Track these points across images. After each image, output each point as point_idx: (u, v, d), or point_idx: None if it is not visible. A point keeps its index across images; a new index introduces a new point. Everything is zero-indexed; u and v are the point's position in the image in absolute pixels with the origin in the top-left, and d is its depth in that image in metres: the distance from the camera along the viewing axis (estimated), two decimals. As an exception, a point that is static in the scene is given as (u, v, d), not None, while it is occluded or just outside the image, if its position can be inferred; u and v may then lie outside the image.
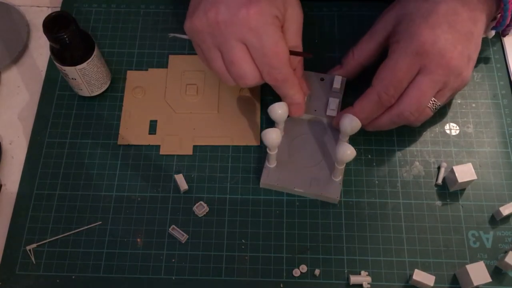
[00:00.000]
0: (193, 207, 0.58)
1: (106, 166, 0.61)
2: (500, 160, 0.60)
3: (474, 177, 0.57)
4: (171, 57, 0.67)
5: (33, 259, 0.56)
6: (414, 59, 0.53)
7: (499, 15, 0.58)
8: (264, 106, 0.63)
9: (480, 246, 0.56)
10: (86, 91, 0.62)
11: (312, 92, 0.62)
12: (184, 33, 0.56)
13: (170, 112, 0.63)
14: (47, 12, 0.71)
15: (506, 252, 0.55)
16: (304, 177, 0.58)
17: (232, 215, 0.58)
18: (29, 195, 0.59)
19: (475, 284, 0.52)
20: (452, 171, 0.57)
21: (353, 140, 0.61)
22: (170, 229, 0.57)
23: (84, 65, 0.58)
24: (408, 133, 0.62)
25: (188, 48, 0.67)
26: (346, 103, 0.59)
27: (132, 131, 0.62)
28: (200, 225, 0.57)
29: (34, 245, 0.57)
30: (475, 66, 0.59)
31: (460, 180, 0.56)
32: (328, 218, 0.58)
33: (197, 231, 0.57)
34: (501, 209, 0.57)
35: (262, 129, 0.62)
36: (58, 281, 0.55)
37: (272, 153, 0.57)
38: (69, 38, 0.55)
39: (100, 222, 0.58)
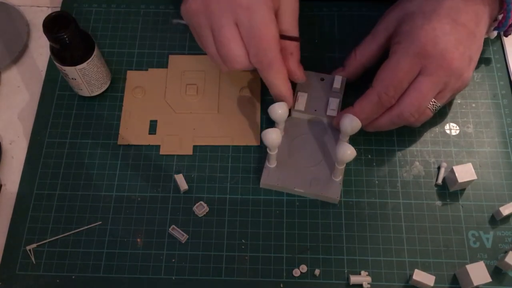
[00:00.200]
0: (193, 207, 0.58)
1: (106, 166, 0.61)
2: (500, 160, 0.60)
3: (474, 177, 0.57)
4: (171, 57, 0.67)
5: (33, 259, 0.56)
6: (415, 60, 0.53)
7: (501, 16, 0.58)
8: (264, 106, 0.63)
9: (480, 246, 0.56)
10: (86, 91, 0.62)
11: (312, 92, 0.62)
12: None
13: (170, 112, 0.63)
14: (47, 12, 0.71)
15: (506, 252, 0.55)
16: (304, 177, 0.58)
17: (232, 215, 0.58)
18: (29, 195, 0.59)
19: (475, 284, 0.52)
20: (452, 171, 0.57)
21: (353, 140, 0.61)
22: (170, 229, 0.57)
23: (84, 65, 0.58)
24: (408, 133, 0.62)
25: (188, 48, 0.67)
26: (347, 103, 0.59)
27: (132, 131, 0.62)
28: (200, 225, 0.57)
29: (34, 245, 0.57)
30: (476, 67, 0.59)
31: (460, 180, 0.56)
32: (328, 218, 0.58)
33: (197, 231, 0.57)
34: (501, 209, 0.57)
35: (262, 129, 0.62)
36: (58, 281, 0.55)
37: (272, 153, 0.57)
38: (69, 38, 0.55)
39: (100, 222, 0.58)
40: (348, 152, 0.53)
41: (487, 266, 0.54)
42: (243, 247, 0.56)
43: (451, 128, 0.62)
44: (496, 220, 0.58)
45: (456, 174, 0.57)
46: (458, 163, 0.59)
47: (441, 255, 0.56)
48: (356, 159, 0.57)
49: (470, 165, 0.57)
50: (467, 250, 0.56)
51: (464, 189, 0.59)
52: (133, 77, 0.66)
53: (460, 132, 0.62)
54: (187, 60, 0.66)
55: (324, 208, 0.58)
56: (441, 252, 0.56)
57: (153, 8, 0.70)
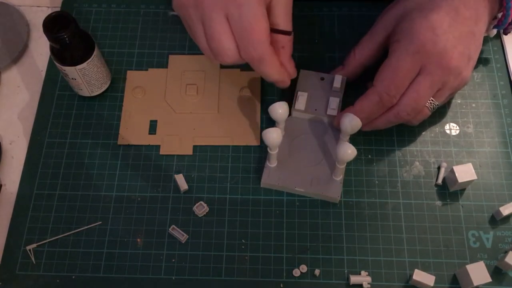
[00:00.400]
0: (193, 207, 0.58)
1: (106, 166, 0.61)
2: (500, 160, 0.60)
3: (474, 177, 0.57)
4: (171, 57, 0.67)
5: (33, 259, 0.56)
6: (415, 58, 0.53)
7: (501, 14, 0.58)
8: (264, 106, 0.63)
9: (480, 246, 0.56)
10: (86, 91, 0.62)
11: (313, 91, 0.62)
12: None
13: (170, 112, 0.63)
14: (47, 12, 0.71)
15: (506, 252, 0.55)
16: (304, 177, 0.58)
17: (232, 215, 0.58)
18: (29, 195, 0.59)
19: (475, 284, 0.52)
20: (452, 171, 0.57)
21: (353, 140, 0.61)
22: (170, 229, 0.57)
23: (84, 65, 0.58)
24: (408, 133, 0.62)
25: (188, 48, 0.67)
26: (347, 103, 0.59)
27: (132, 131, 0.62)
28: (200, 225, 0.57)
29: (34, 245, 0.57)
30: (475, 66, 0.59)
31: (460, 180, 0.56)
32: (328, 218, 0.58)
33: (197, 231, 0.57)
34: (501, 209, 0.57)
35: (262, 129, 0.62)
36: (58, 281, 0.55)
37: (273, 152, 0.57)
38: (69, 38, 0.55)
39: (100, 222, 0.58)
40: (348, 151, 0.53)
41: (487, 266, 0.54)
42: (243, 247, 0.56)
43: (451, 128, 0.62)
44: (496, 220, 0.58)
45: (456, 174, 0.57)
46: (458, 163, 0.59)
47: (441, 255, 0.56)
48: (356, 159, 0.57)
49: (470, 165, 0.57)
50: (467, 250, 0.56)
51: (464, 189, 0.59)
52: (133, 77, 0.66)
53: (460, 132, 0.62)
54: (187, 60, 0.66)
55: (324, 208, 0.58)
56: (441, 252, 0.56)
57: (153, 8, 0.70)
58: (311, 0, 0.69)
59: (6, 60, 0.67)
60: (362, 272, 0.55)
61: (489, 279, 0.52)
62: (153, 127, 0.62)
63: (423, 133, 0.62)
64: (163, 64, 0.66)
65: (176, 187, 0.59)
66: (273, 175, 0.59)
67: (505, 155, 0.61)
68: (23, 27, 0.69)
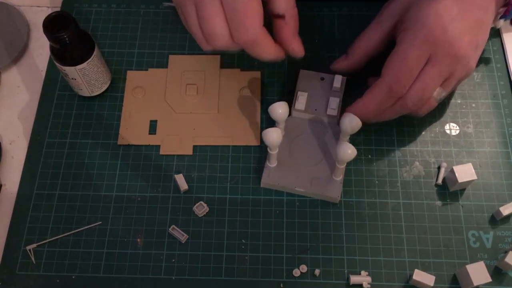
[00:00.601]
0: (193, 207, 0.58)
1: (106, 166, 0.61)
2: (500, 160, 0.60)
3: (474, 177, 0.57)
4: (171, 57, 0.67)
5: (33, 259, 0.56)
6: (424, 47, 0.52)
7: (509, 5, 0.57)
8: (264, 106, 0.63)
9: (480, 246, 0.56)
10: (86, 91, 0.62)
11: (312, 91, 0.62)
12: None
13: (170, 112, 0.63)
14: (47, 12, 0.71)
15: (506, 252, 0.55)
16: (305, 177, 0.58)
17: (232, 215, 0.58)
18: (29, 195, 0.59)
19: (475, 284, 0.52)
20: (452, 171, 0.57)
21: (353, 140, 0.61)
22: (170, 229, 0.57)
23: (84, 65, 0.58)
24: (408, 133, 0.62)
25: (188, 48, 0.67)
26: (347, 103, 0.59)
27: (132, 131, 0.62)
28: (200, 225, 0.57)
29: (34, 245, 0.57)
30: (476, 67, 0.59)
31: (460, 180, 0.56)
32: (328, 218, 0.58)
33: (197, 231, 0.57)
34: (501, 209, 0.57)
35: (262, 129, 0.62)
36: (58, 281, 0.55)
37: (273, 152, 0.57)
38: (69, 38, 0.55)
39: (100, 222, 0.58)
40: (348, 151, 0.53)
41: (487, 266, 0.54)
42: (243, 247, 0.56)
43: (451, 128, 0.62)
44: (496, 220, 0.57)
45: (456, 174, 0.57)
46: (458, 163, 0.59)
47: (441, 255, 0.56)
48: (356, 159, 0.57)
49: (470, 165, 0.57)
50: (467, 250, 0.56)
51: (464, 189, 0.59)
52: (133, 77, 0.66)
53: (460, 132, 0.62)
54: (187, 60, 0.66)
55: (324, 208, 0.58)
56: (441, 252, 0.56)
57: (153, 8, 0.70)
58: (311, 0, 0.69)
59: (6, 60, 0.67)
60: (362, 272, 0.55)
61: (489, 279, 0.52)
62: (153, 127, 0.62)
63: (423, 133, 0.62)
64: (163, 64, 0.66)
65: (176, 187, 0.59)
66: (273, 175, 0.59)
67: (505, 155, 0.61)
68: (23, 27, 0.69)
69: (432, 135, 0.62)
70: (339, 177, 0.58)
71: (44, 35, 0.55)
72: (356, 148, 0.53)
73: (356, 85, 0.61)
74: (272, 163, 0.59)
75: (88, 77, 0.60)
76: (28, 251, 0.56)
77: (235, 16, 0.50)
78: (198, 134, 0.62)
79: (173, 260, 0.56)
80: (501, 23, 0.61)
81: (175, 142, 0.62)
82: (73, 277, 0.55)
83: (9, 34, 0.68)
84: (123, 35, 0.68)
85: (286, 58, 0.66)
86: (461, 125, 0.62)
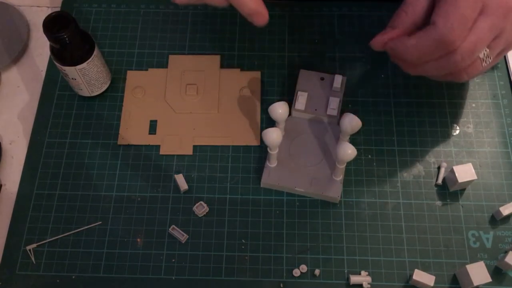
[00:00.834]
0: (193, 207, 0.58)
1: (106, 166, 0.61)
2: (500, 160, 0.60)
3: (474, 177, 0.57)
4: (171, 57, 0.67)
5: (33, 259, 0.56)
6: None
7: None
8: (264, 106, 0.63)
9: (480, 246, 0.56)
10: (86, 91, 0.62)
11: (313, 91, 0.62)
12: None
13: (170, 112, 0.63)
14: (47, 12, 0.71)
15: (506, 252, 0.55)
16: (305, 177, 0.58)
17: (232, 215, 0.58)
18: (29, 195, 0.59)
19: (475, 284, 0.52)
20: (452, 171, 0.57)
21: (354, 140, 0.61)
22: (170, 229, 0.57)
23: (84, 65, 0.58)
24: (408, 133, 0.62)
25: (188, 48, 0.67)
26: (347, 102, 0.59)
27: (132, 131, 0.62)
28: (200, 225, 0.57)
29: (34, 245, 0.57)
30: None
31: (460, 180, 0.56)
32: (328, 218, 0.58)
33: (197, 231, 0.57)
34: (501, 209, 0.57)
35: (262, 129, 0.62)
36: (58, 281, 0.55)
37: (273, 152, 0.57)
38: (69, 38, 0.55)
39: (100, 222, 0.58)
40: (348, 151, 0.53)
41: (487, 266, 0.54)
42: (243, 247, 0.56)
43: (451, 128, 0.62)
44: (496, 220, 0.57)
45: (456, 174, 0.57)
46: (458, 163, 0.59)
47: (441, 255, 0.56)
48: (356, 159, 0.57)
49: (470, 165, 0.57)
50: (467, 250, 0.56)
51: (464, 189, 0.59)
52: (133, 77, 0.66)
53: (460, 132, 0.62)
54: (187, 60, 0.66)
55: (324, 208, 0.58)
56: (441, 252, 0.56)
57: (153, 8, 0.70)
58: (311, 0, 0.69)
59: (6, 60, 0.67)
60: (362, 272, 0.55)
61: (489, 279, 0.52)
62: (153, 127, 0.62)
63: (423, 133, 0.62)
64: (163, 64, 0.66)
65: (176, 187, 0.59)
66: (273, 175, 0.59)
67: (505, 155, 0.61)
68: (23, 27, 0.69)
69: (432, 135, 0.62)
70: (339, 177, 0.58)
71: (44, 35, 0.55)
72: (356, 148, 0.53)
73: (356, 85, 0.61)
74: (272, 163, 0.59)
75: (88, 77, 0.60)
76: (28, 251, 0.56)
77: None
78: (198, 134, 0.62)
79: (173, 260, 0.56)
80: None
81: (175, 142, 0.62)
82: (73, 277, 0.55)
83: (9, 34, 0.68)
84: (123, 35, 0.68)
85: (286, 58, 0.66)
86: (461, 125, 0.62)
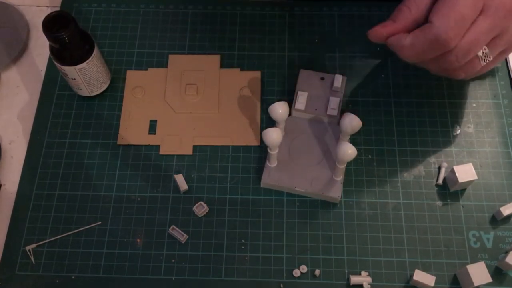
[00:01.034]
0: (193, 207, 0.58)
1: (106, 166, 0.61)
2: (501, 160, 0.60)
3: (475, 177, 0.57)
4: (171, 56, 0.67)
5: (32, 259, 0.56)
6: None
7: None
8: (264, 106, 0.63)
9: (481, 246, 0.56)
10: (85, 91, 0.62)
11: (313, 91, 0.62)
12: None
13: (170, 112, 0.63)
14: (46, 12, 0.71)
15: (506, 252, 0.55)
16: (305, 177, 0.58)
17: (232, 215, 0.58)
18: (28, 195, 0.59)
19: (476, 284, 0.52)
20: (453, 171, 0.57)
21: (354, 140, 0.61)
22: (170, 229, 0.57)
23: (83, 65, 0.58)
24: (408, 133, 0.62)
25: (188, 48, 0.67)
26: (347, 102, 0.59)
27: (132, 131, 0.62)
28: (200, 225, 0.57)
29: (34, 245, 0.56)
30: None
31: (460, 180, 0.56)
32: (328, 218, 0.58)
33: (197, 231, 0.57)
34: (501, 209, 0.57)
35: (262, 128, 0.62)
36: (58, 281, 0.55)
37: (273, 152, 0.57)
38: (68, 37, 0.55)
39: (100, 222, 0.58)
40: (349, 151, 0.52)
41: (488, 266, 0.54)
42: (243, 247, 0.56)
43: (452, 128, 0.62)
44: (496, 220, 0.57)
45: (457, 174, 0.56)
46: (458, 163, 0.59)
47: (441, 255, 0.56)
48: (356, 159, 0.57)
49: (470, 165, 0.57)
50: (467, 250, 0.56)
51: (464, 189, 0.59)
52: (133, 77, 0.66)
53: (460, 132, 0.62)
54: (187, 60, 0.66)
55: (324, 208, 0.58)
56: (442, 252, 0.56)
57: (153, 8, 0.70)
58: (311, 0, 0.69)
59: (6, 60, 0.66)
60: (363, 273, 0.55)
61: (490, 279, 0.52)
62: (153, 127, 0.62)
63: (424, 133, 0.62)
64: (163, 64, 0.66)
65: (176, 187, 0.59)
66: (273, 175, 0.58)
67: (506, 155, 0.61)
68: (23, 27, 0.69)
69: (433, 135, 0.62)
70: (339, 177, 0.58)
71: (43, 35, 0.55)
72: (356, 148, 0.53)
73: (356, 85, 0.60)
74: (272, 163, 0.59)
75: (88, 77, 0.60)
76: (28, 251, 0.56)
77: None
78: (198, 134, 0.62)
79: (173, 261, 0.56)
80: None
81: (175, 142, 0.61)
82: (73, 277, 0.55)
83: (8, 34, 0.68)
84: (122, 35, 0.68)
85: (286, 58, 0.66)
86: (462, 125, 0.62)
